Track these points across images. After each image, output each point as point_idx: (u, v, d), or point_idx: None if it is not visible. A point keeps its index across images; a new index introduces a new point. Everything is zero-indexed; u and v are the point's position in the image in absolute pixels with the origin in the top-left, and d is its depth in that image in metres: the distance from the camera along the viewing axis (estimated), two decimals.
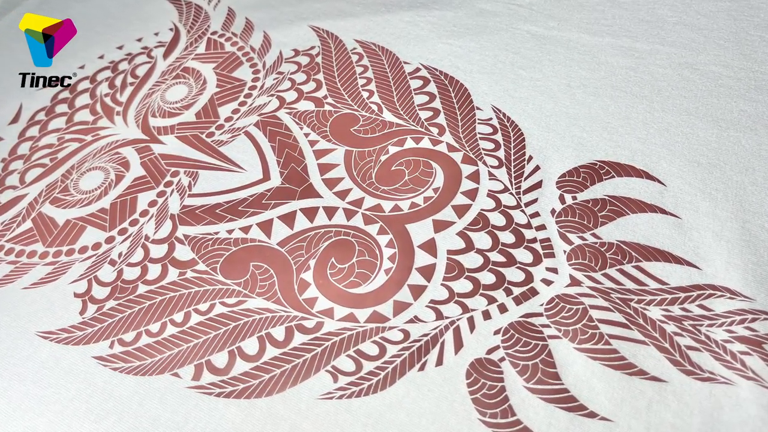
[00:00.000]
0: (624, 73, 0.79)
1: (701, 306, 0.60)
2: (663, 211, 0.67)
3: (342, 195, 0.73)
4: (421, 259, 0.67)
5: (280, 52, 0.92)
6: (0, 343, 0.68)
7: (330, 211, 0.72)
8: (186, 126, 0.85)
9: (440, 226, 0.69)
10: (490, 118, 0.77)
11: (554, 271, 0.64)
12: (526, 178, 0.71)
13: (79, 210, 0.79)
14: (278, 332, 0.64)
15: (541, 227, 0.67)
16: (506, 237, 0.67)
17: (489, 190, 0.71)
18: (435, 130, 0.77)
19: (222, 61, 0.93)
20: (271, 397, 0.60)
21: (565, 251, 0.65)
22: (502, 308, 0.62)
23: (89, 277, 0.72)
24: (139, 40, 1.01)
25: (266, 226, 0.72)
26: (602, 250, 0.64)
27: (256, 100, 0.86)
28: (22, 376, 0.65)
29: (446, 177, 0.73)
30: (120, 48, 1.00)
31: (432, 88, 0.82)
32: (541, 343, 0.59)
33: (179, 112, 0.87)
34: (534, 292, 0.63)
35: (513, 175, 0.71)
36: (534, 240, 0.66)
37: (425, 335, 0.62)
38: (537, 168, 0.72)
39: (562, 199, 0.68)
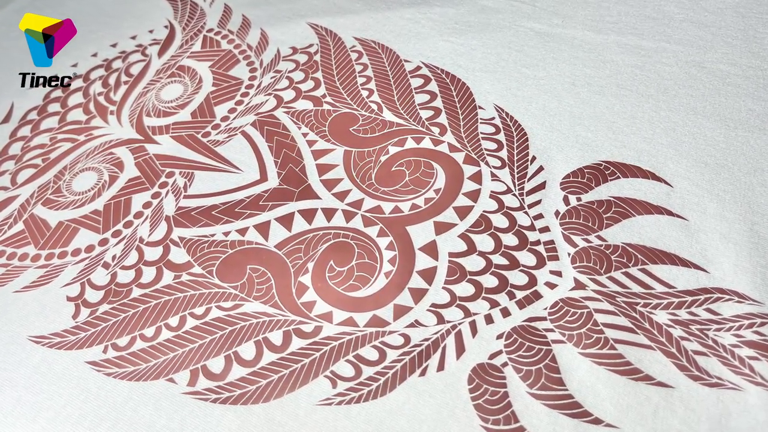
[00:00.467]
0: (630, 72, 0.79)
1: (709, 310, 0.60)
2: (670, 213, 0.67)
3: (341, 196, 0.73)
4: (422, 261, 0.67)
5: (278, 50, 0.92)
6: None
7: (329, 213, 0.72)
8: (181, 125, 0.85)
9: (442, 228, 0.69)
10: (493, 118, 0.77)
11: (558, 274, 0.64)
12: (529, 179, 0.71)
13: (72, 212, 0.79)
14: (276, 337, 0.64)
15: (545, 229, 0.67)
16: (509, 239, 0.67)
17: (491, 192, 0.71)
18: (436, 130, 0.77)
19: (218, 59, 0.93)
20: (268, 403, 0.60)
21: (569, 254, 0.65)
22: (505, 312, 0.62)
23: (82, 281, 0.72)
24: (134, 37, 1.01)
25: (263, 228, 0.72)
26: (607, 252, 0.64)
27: (253, 99, 0.86)
28: (13, 382, 0.65)
29: (448, 178, 0.73)
30: (114, 46, 1.00)
31: (433, 86, 0.82)
32: (544, 347, 0.59)
33: (174, 112, 0.87)
34: (537, 296, 0.63)
35: (516, 176, 0.71)
36: (537, 242, 0.66)
37: (426, 339, 0.62)
38: (540, 169, 0.72)
39: (566, 200, 0.69)
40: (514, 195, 0.70)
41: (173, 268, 0.71)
